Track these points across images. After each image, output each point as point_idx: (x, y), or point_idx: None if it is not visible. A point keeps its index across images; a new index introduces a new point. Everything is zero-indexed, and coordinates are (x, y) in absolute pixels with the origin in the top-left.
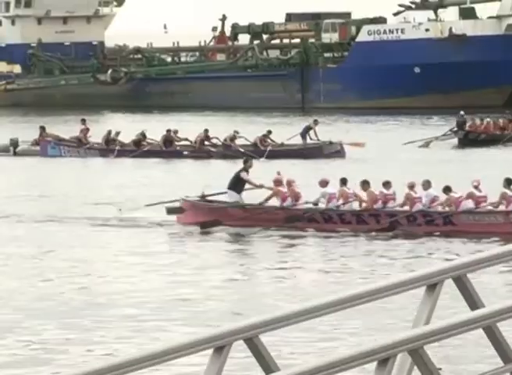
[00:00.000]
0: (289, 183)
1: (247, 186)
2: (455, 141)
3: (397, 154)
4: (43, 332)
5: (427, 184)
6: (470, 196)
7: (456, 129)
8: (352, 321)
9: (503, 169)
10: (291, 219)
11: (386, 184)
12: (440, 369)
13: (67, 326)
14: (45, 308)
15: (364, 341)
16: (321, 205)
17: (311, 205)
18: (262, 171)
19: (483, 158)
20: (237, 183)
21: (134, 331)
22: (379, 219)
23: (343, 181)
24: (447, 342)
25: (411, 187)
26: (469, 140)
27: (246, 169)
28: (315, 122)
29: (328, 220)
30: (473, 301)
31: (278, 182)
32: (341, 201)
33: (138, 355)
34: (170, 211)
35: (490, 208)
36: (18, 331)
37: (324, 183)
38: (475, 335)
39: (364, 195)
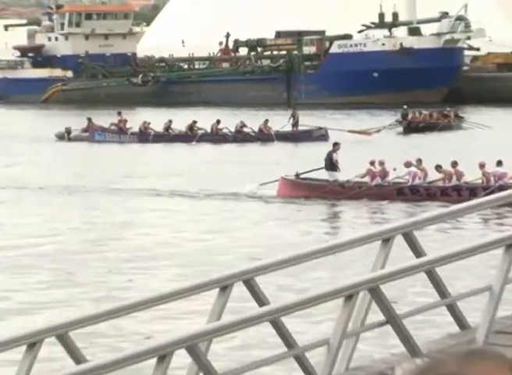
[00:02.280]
0: (381, 163)
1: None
2: (400, 129)
3: (359, 138)
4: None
5: (498, 164)
6: None
7: (400, 120)
8: (325, 267)
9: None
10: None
11: (454, 164)
12: (395, 302)
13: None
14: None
15: (334, 281)
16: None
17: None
18: (278, 156)
19: (429, 143)
20: (332, 164)
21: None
22: (461, 193)
23: (421, 161)
24: (398, 283)
25: (482, 165)
26: (411, 128)
27: (335, 151)
28: (293, 112)
29: (415, 193)
30: (418, 252)
31: (373, 163)
32: (422, 177)
33: (142, 298)
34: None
35: None
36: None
37: (408, 164)
38: (419, 277)
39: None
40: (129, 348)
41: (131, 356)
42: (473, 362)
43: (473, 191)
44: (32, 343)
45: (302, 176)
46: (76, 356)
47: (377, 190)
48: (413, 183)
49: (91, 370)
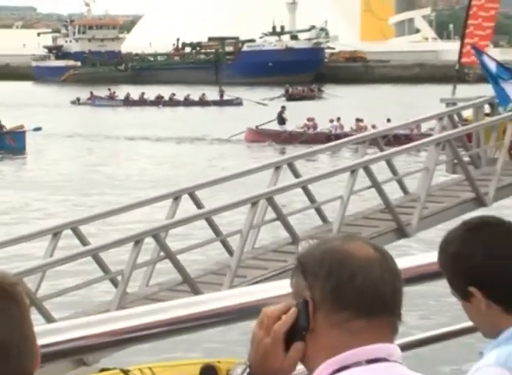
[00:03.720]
0: (312, 119)
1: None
2: (284, 98)
3: (263, 106)
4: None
5: (388, 120)
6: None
7: (284, 93)
8: (242, 186)
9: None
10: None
11: (360, 120)
12: (284, 205)
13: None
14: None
15: (247, 193)
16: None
17: (327, 131)
18: (212, 115)
19: (302, 107)
20: (281, 120)
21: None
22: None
23: (338, 119)
24: (285, 195)
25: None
26: (291, 98)
27: (283, 112)
28: (220, 88)
29: (338, 139)
30: (297, 175)
31: (309, 119)
32: (340, 128)
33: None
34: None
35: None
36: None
37: (331, 121)
38: (298, 191)
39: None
40: (116, 236)
41: (118, 240)
42: (350, 240)
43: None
44: (55, 233)
45: (260, 127)
46: (84, 242)
47: (314, 136)
48: (336, 132)
49: (94, 249)
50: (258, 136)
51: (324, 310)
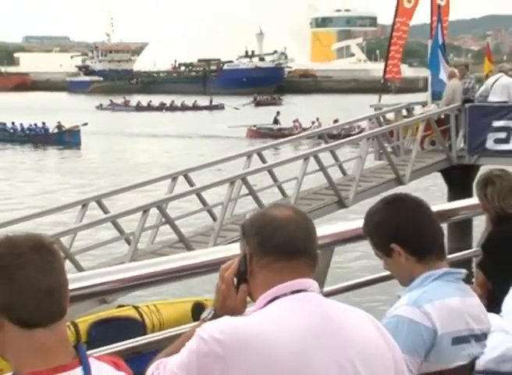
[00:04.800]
0: (296, 120)
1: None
2: (253, 104)
3: (242, 109)
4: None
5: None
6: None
7: (253, 100)
8: (226, 168)
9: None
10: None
11: (336, 120)
12: (255, 185)
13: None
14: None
15: (226, 175)
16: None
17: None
18: (203, 117)
19: (266, 111)
20: (276, 121)
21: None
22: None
23: (317, 119)
24: (255, 176)
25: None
26: (258, 104)
27: (278, 115)
28: (210, 97)
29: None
30: (264, 162)
31: (294, 121)
32: (321, 125)
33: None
34: None
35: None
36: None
37: (313, 122)
38: (264, 173)
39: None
40: (129, 206)
41: (131, 210)
42: (277, 207)
43: (349, 135)
44: (84, 204)
45: (258, 126)
46: (105, 211)
47: (298, 133)
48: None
49: (113, 217)
50: (256, 133)
51: (256, 258)
